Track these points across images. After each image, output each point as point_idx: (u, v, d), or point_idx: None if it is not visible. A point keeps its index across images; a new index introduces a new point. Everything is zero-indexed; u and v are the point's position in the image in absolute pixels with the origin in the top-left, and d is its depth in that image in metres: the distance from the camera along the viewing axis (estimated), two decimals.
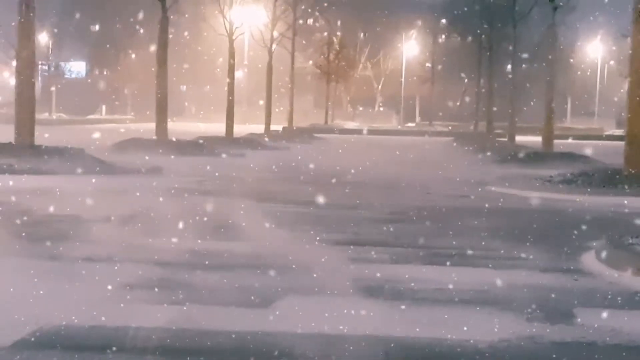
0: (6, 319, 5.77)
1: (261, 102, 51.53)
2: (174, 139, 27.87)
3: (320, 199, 13.68)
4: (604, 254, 8.63)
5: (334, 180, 18.39)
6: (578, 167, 21.69)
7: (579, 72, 79.43)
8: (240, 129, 40.37)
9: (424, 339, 5.61)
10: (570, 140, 39.54)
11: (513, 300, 6.81)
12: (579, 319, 6.28)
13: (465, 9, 47.18)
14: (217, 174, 19.17)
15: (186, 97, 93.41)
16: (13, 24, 19.74)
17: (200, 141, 30.48)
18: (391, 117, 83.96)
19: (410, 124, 76.61)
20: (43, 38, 64.57)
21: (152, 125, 28.83)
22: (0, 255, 8.15)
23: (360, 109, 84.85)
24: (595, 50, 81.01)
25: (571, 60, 69.24)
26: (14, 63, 20.56)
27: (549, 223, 12.13)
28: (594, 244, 9.38)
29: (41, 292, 6.57)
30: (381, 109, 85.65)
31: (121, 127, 50.75)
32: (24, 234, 9.55)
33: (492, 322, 6.10)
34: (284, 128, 50.38)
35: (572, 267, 8.42)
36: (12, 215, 11.03)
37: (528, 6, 34.93)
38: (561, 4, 27.76)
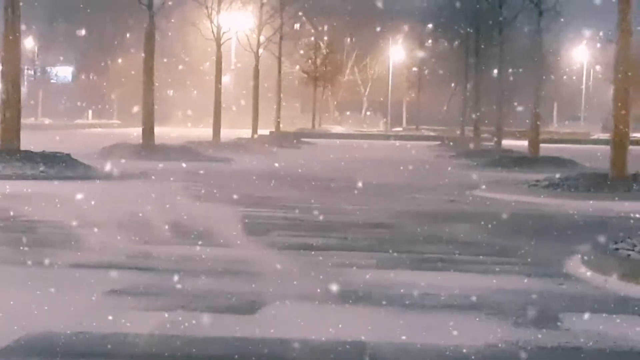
0: None
1: (243, 103, 51.53)
2: (160, 144, 27.81)
3: (308, 204, 13.65)
4: (589, 259, 8.66)
5: (320, 185, 18.40)
6: (564, 171, 21.78)
7: (564, 77, 79.82)
8: (228, 134, 40.32)
9: (412, 344, 5.61)
10: (556, 145, 39.71)
11: (499, 305, 6.82)
12: (565, 324, 6.30)
13: (452, 14, 47.29)
14: (202, 179, 19.14)
15: (173, 102, 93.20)
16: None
17: (187, 146, 30.43)
18: (378, 122, 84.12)
19: (397, 129, 76.76)
20: (29, 42, 64.38)
21: (140, 130, 28.77)
22: None
23: (348, 113, 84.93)
24: (581, 55, 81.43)
25: (557, 62, 69.52)
26: None
27: (534, 227, 12.17)
28: (580, 248, 9.41)
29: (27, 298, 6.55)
30: (368, 113, 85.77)
31: (108, 132, 50.65)
32: (8, 240, 9.50)
33: (478, 327, 6.11)
34: (271, 132, 50.34)
35: (557, 272, 8.44)
36: None
37: (514, 11, 35.04)
38: (547, 9, 27.86)
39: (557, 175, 18.28)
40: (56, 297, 6.64)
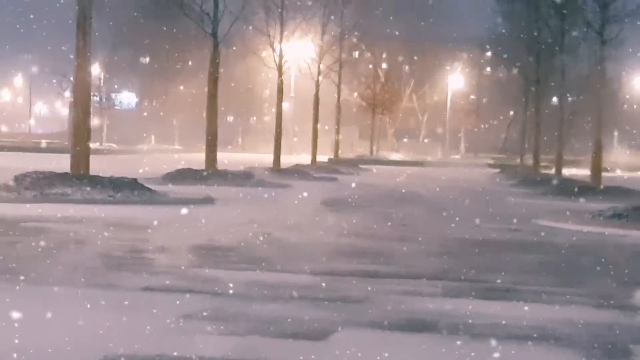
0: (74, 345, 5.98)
1: (297, 129, 51.93)
2: (222, 170, 28.22)
3: (374, 232, 13.76)
4: None
5: (382, 212, 18.50)
6: (628, 201, 21.49)
7: (625, 106, 78.68)
8: (286, 160, 40.69)
9: None
10: (618, 173, 39.06)
11: (569, 336, 6.83)
12: (636, 356, 6.29)
13: (511, 41, 47.10)
14: (264, 204, 19.41)
15: (233, 127, 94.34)
16: (69, 52, 20.22)
17: (248, 171, 30.81)
18: (436, 149, 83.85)
19: (455, 156, 76.45)
20: (95, 69, 65.88)
21: (202, 155, 29.26)
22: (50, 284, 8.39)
23: (405, 140, 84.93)
24: None
25: (619, 90, 68.59)
26: (67, 94, 21.03)
27: (601, 258, 12.07)
28: None
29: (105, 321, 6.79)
30: (426, 140, 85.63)
31: (171, 157, 51.46)
32: (81, 264, 9.81)
33: (550, 358, 6.15)
34: (329, 159, 50.64)
35: (626, 304, 8.40)
36: (71, 244, 11.33)
37: (576, 40, 34.81)
38: (609, 38, 27.62)
39: (622, 205, 18.05)
40: (137, 320, 6.86)
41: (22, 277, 8.53)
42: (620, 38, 29.61)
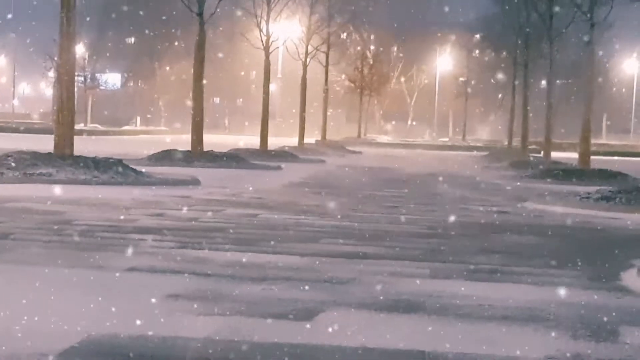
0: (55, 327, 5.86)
1: (287, 111, 51.82)
2: (208, 151, 28.06)
3: (361, 213, 13.66)
4: None
5: (371, 194, 18.41)
6: (615, 184, 21.50)
7: (614, 89, 78.84)
8: (273, 142, 40.53)
9: (471, 355, 5.59)
10: (606, 157, 39.17)
11: (557, 317, 6.76)
12: (624, 337, 6.23)
13: (500, 25, 47.02)
14: (250, 185, 19.28)
15: (219, 109, 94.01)
16: (54, 32, 19.95)
17: (235, 153, 30.67)
18: (424, 132, 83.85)
19: (443, 139, 76.44)
20: (79, 49, 65.40)
21: (188, 137, 29.08)
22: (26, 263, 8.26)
23: (393, 123, 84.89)
24: (631, 66, 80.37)
25: (607, 74, 68.67)
26: (51, 74, 20.81)
27: (588, 240, 12.03)
28: (637, 262, 9.28)
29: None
30: (414, 123, 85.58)
31: (156, 139, 51.21)
32: (65, 244, 9.67)
33: (536, 339, 6.07)
34: (317, 141, 50.52)
35: (614, 285, 8.34)
36: (53, 224, 11.18)
37: (564, 23, 34.70)
38: (598, 21, 27.53)
39: (609, 188, 18.03)
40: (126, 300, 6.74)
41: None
42: (609, 21, 29.56)
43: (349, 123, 79.95)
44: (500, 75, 57.10)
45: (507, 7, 43.84)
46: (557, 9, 34.05)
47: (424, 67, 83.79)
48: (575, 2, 29.64)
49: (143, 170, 20.39)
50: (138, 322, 6.03)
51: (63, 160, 18.79)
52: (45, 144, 22.05)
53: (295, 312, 6.58)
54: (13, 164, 18.21)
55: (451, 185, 23.14)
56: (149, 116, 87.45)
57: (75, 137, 20.30)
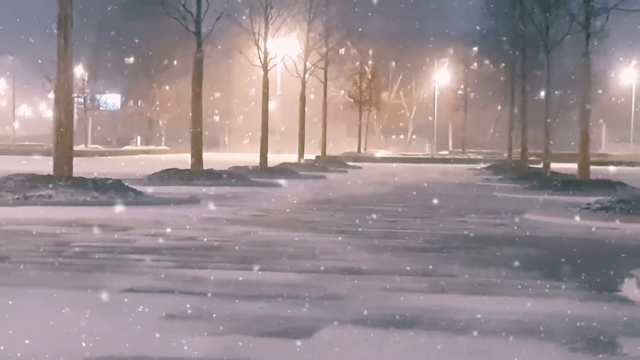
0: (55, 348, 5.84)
1: (283, 129, 51.86)
2: (208, 170, 28.07)
3: (363, 228, 13.64)
4: None
5: (371, 209, 18.40)
6: (615, 194, 21.49)
7: (612, 99, 78.93)
8: (274, 159, 40.55)
9: None
10: (608, 167, 39.11)
11: (555, 330, 6.74)
12: (623, 349, 6.20)
13: (497, 36, 47.15)
14: (249, 204, 19.28)
15: (219, 127, 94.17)
16: (52, 54, 20.01)
17: (235, 171, 30.70)
18: (424, 145, 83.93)
19: (443, 152, 76.50)
20: (78, 70, 65.63)
21: (188, 156, 29.10)
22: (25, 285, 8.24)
23: (393, 137, 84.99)
24: (629, 76, 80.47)
25: (605, 84, 68.75)
26: (51, 96, 20.89)
27: (588, 251, 12.00)
28: (636, 272, 9.25)
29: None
30: (414, 137, 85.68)
31: (156, 158, 51.23)
32: (64, 266, 9.66)
33: (535, 352, 6.05)
34: (317, 157, 50.56)
35: (614, 296, 8.32)
36: (51, 246, 11.17)
37: (561, 33, 34.77)
38: (594, 32, 27.58)
39: (609, 198, 18.01)
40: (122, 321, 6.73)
41: None
42: (605, 30, 29.61)
43: (349, 137, 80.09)
44: (498, 87, 57.21)
45: (503, 19, 44.00)
46: (553, 19, 34.15)
47: (423, 81, 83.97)
48: (571, 12, 29.71)
49: (143, 189, 20.40)
50: (135, 343, 6.02)
51: (62, 181, 18.80)
52: (44, 165, 22.08)
53: (293, 329, 6.56)
54: (12, 187, 18.23)
55: (450, 199, 23.10)
56: (153, 134, 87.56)
57: (76, 158, 20.33)
